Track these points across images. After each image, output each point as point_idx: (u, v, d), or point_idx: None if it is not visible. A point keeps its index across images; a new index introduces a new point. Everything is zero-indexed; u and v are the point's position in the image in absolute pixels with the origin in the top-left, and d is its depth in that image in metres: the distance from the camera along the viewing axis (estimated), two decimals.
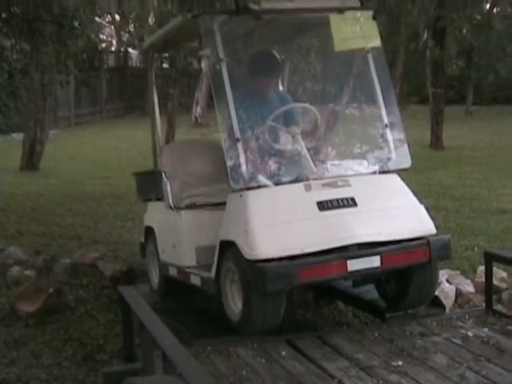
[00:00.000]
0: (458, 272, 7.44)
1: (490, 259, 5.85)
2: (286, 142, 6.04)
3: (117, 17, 33.46)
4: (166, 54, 27.89)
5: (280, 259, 5.14)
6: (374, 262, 5.32)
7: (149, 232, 7.19)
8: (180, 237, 6.42)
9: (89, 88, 28.05)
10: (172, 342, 3.67)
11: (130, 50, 34.15)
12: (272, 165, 5.84)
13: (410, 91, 28.84)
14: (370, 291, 6.23)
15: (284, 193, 5.59)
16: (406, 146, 6.07)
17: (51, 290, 6.94)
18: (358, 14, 6.16)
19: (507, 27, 24.80)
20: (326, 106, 6.53)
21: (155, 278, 7.13)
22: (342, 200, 5.51)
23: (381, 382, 4.40)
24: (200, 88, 24.13)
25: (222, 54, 5.69)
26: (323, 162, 5.92)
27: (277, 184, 5.62)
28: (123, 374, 3.95)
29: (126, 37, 34.70)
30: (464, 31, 19.28)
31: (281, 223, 5.36)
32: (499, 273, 7.11)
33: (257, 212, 5.41)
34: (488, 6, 21.88)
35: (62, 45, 14.90)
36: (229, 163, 5.62)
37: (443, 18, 15.75)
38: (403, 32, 16.09)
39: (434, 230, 5.66)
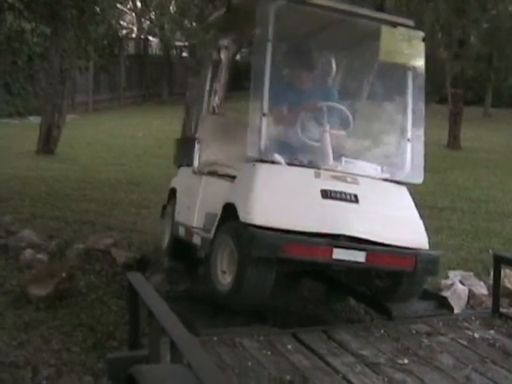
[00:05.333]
0: (472, 273, 7.45)
1: (498, 262, 5.86)
2: (313, 135, 6.24)
3: (138, 4, 33.50)
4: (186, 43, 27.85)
5: (272, 230, 5.36)
6: (359, 256, 5.50)
7: (172, 194, 7.70)
8: (195, 199, 6.84)
9: (108, 74, 28.11)
10: (181, 331, 3.68)
11: (150, 37, 34.18)
12: (291, 147, 6.11)
13: (430, 90, 28.73)
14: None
15: (294, 173, 5.86)
16: (422, 164, 6.27)
17: (63, 274, 6.97)
18: (409, 32, 6.35)
19: None
20: (357, 108, 6.73)
21: (166, 237, 7.58)
22: (345, 194, 5.75)
23: (386, 379, 4.40)
24: (218, 78, 24.04)
25: (271, 35, 5.91)
26: (340, 156, 6.11)
27: (290, 164, 5.87)
28: (127, 361, 3.97)
29: (146, 24, 34.69)
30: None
31: (282, 198, 5.62)
32: None
33: (263, 183, 5.70)
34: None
35: (82, 30, 14.88)
36: (250, 134, 5.89)
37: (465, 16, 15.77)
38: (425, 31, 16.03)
39: (426, 246, 5.81)
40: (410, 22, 6.50)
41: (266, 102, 5.87)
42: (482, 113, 28.20)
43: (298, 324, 5.80)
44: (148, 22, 34.33)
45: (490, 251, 8.33)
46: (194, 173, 7.14)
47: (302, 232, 5.45)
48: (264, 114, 5.84)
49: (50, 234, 8.77)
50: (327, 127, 6.21)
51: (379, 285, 6.20)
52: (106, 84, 29.01)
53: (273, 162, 5.82)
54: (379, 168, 6.23)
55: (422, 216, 5.98)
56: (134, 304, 4.57)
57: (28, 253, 7.88)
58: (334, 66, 6.94)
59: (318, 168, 5.90)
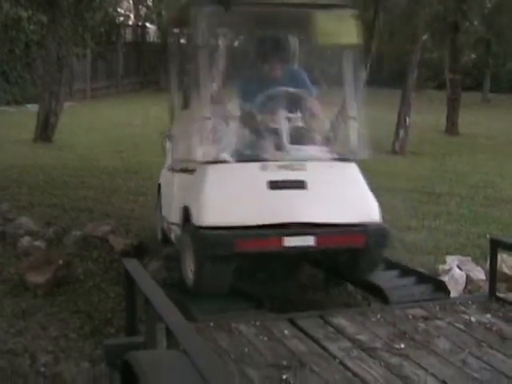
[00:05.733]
0: (470, 259, 7.45)
1: (495, 246, 5.84)
2: (269, 121, 6.36)
3: None
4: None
5: (223, 228, 5.61)
6: (309, 241, 5.71)
7: (159, 187, 8.04)
8: (172, 195, 7.11)
9: (105, 61, 28.05)
10: (176, 317, 3.68)
11: (147, 24, 34.09)
12: (239, 143, 6.26)
13: (428, 76, 28.69)
14: (377, 275, 6.39)
15: (241, 170, 6.04)
16: (365, 139, 6.44)
17: (61, 261, 6.98)
18: (341, 12, 6.50)
19: None
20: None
21: (159, 229, 7.81)
22: (292, 182, 5.91)
23: (382, 364, 4.40)
24: (216, 65, 23.98)
25: (205, 42, 6.25)
26: (286, 145, 6.22)
27: (238, 161, 6.03)
28: (124, 348, 3.97)
29: (143, 11, 34.58)
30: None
31: (231, 197, 5.84)
32: (510, 261, 7.12)
33: (212, 184, 5.95)
34: None
35: (79, 17, 14.87)
36: (195, 138, 6.19)
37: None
38: (422, 16, 16.04)
39: (377, 219, 5.98)
40: (344, 2, 6.65)
41: (207, 107, 6.15)
42: (480, 98, 28.18)
43: (294, 310, 5.82)
44: (145, 9, 34.25)
45: (488, 236, 8.34)
46: (169, 170, 7.38)
47: (253, 226, 5.65)
48: (207, 118, 6.10)
49: (47, 222, 8.78)
50: (282, 112, 6.32)
51: (338, 262, 6.39)
52: (104, 71, 28.94)
53: (222, 162, 5.99)
54: (326, 149, 6.34)
55: (372, 190, 6.18)
56: (130, 290, 4.58)
57: (26, 240, 7.90)
58: (283, 55, 6.95)
59: (266, 160, 6.03)
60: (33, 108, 19.14)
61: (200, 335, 4.10)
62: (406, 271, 6.59)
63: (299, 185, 5.90)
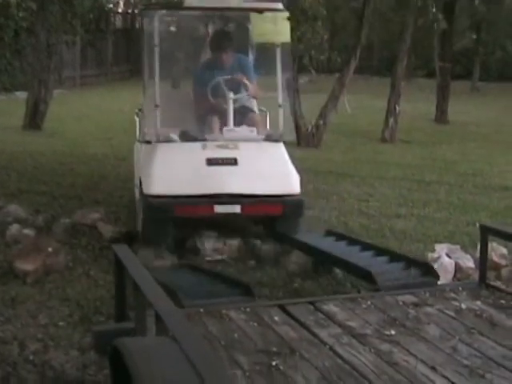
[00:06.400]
0: (459, 247, 7.45)
1: (485, 233, 5.84)
2: (218, 103, 7.67)
3: None
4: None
5: (166, 197, 6.92)
6: (236, 209, 6.98)
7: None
8: (139, 164, 8.06)
9: (95, 49, 27.86)
10: (166, 304, 3.67)
11: (137, 11, 33.87)
12: (186, 125, 7.72)
13: (417, 64, 28.64)
14: (366, 260, 6.46)
15: (185, 148, 7.42)
16: (292, 124, 8.32)
17: (50, 249, 6.96)
18: (275, 14, 7.73)
19: None
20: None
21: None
22: (226, 159, 7.15)
23: (372, 350, 4.39)
24: (205, 52, 23.89)
25: (157, 41, 7.49)
26: (223, 127, 7.54)
27: (183, 141, 7.45)
28: (114, 334, 3.96)
29: None
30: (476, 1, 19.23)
31: (174, 171, 7.11)
32: (499, 249, 7.13)
33: (160, 159, 7.25)
34: None
35: (68, 4, 14.76)
36: (148, 122, 7.64)
37: None
38: (412, 3, 15.97)
39: (297, 191, 7.18)
40: (278, 5, 7.72)
41: (157, 96, 7.49)
42: (469, 87, 28.14)
43: (285, 297, 5.81)
44: None
45: (477, 224, 8.34)
46: (138, 141, 8.39)
47: (191, 195, 6.93)
48: (157, 106, 7.44)
49: (36, 209, 8.75)
50: (230, 95, 7.52)
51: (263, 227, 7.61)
52: (94, 59, 28.73)
53: (169, 141, 7.35)
54: (256, 131, 7.53)
55: (296, 166, 7.32)
56: (120, 276, 4.56)
57: (14, 228, 7.86)
58: (232, 45, 8.05)
59: (206, 140, 7.34)
60: (22, 95, 19.00)
61: (189, 321, 4.09)
62: (394, 256, 6.61)
63: (231, 162, 7.11)
